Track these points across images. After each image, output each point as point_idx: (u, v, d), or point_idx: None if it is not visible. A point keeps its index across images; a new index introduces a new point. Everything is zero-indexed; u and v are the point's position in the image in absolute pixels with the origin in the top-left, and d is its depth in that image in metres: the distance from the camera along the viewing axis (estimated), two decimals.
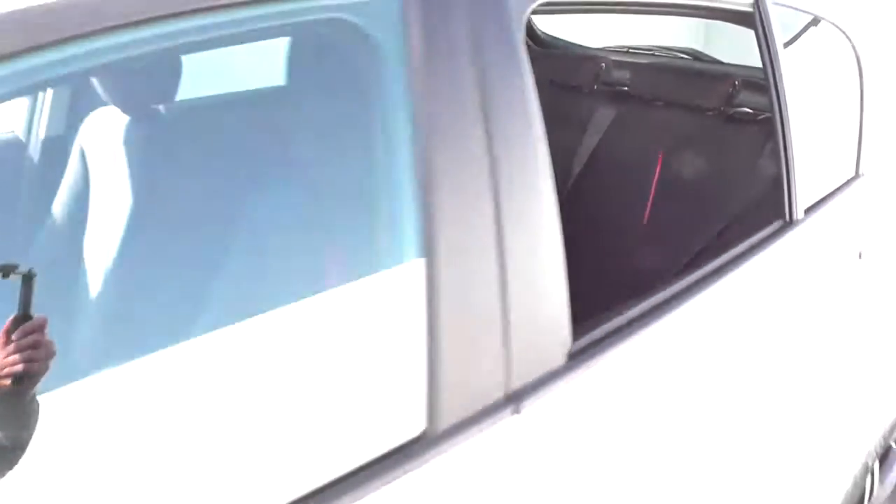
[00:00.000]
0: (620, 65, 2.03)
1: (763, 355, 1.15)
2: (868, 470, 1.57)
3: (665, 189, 1.69)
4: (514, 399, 0.77)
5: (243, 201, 0.77)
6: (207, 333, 0.72)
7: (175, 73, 0.87)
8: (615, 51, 2.22)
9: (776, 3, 1.27)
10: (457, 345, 0.73)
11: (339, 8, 0.71)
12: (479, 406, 0.75)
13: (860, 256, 1.33)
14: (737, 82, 1.69)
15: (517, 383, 0.78)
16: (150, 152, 0.91)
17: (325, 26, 0.73)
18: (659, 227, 1.64)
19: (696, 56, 2.22)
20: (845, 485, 1.45)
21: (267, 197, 0.76)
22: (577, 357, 0.84)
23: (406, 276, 0.72)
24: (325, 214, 0.76)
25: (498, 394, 0.76)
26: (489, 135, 0.76)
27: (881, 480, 1.75)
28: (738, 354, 1.10)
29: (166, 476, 0.64)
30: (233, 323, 0.71)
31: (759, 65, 1.26)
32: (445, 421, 0.73)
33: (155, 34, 0.62)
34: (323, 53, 0.76)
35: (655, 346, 0.94)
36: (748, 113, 1.69)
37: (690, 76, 1.89)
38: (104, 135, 1.03)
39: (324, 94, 0.77)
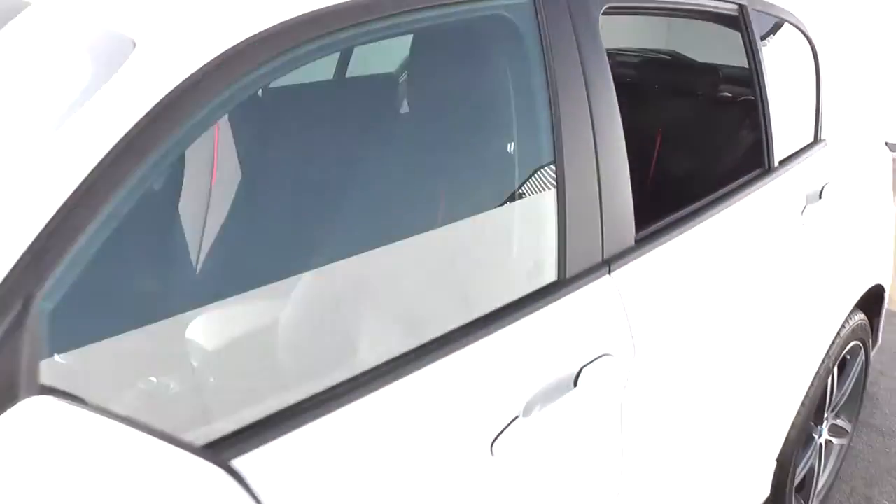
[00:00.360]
0: (623, 63, 2.47)
1: (750, 261, 1.58)
2: (829, 372, 2.02)
3: (667, 152, 2.13)
4: (607, 263, 1.18)
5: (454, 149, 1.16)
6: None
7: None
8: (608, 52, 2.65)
9: (754, 10, 1.71)
10: (576, 225, 1.14)
11: (501, 7, 1.12)
12: (588, 265, 1.16)
13: (820, 197, 1.78)
14: (720, 73, 2.15)
15: (608, 254, 1.19)
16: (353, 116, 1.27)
17: (491, 21, 1.13)
18: (663, 179, 2.09)
19: (675, 56, 2.68)
20: (810, 377, 1.90)
21: (470, 140, 1.16)
22: (639, 242, 1.25)
23: (546, 178, 1.13)
24: (495, 148, 1.16)
25: (598, 258, 1.17)
26: (588, 95, 1.17)
27: (839, 386, 2.21)
28: (736, 257, 1.53)
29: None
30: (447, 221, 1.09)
31: (721, 62, 1.68)
32: (569, 273, 1.13)
33: (359, 33, 0.94)
34: (492, 39, 1.16)
35: (687, 243, 1.36)
36: (729, 97, 2.15)
37: (684, 70, 2.34)
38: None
39: (489, 70, 1.17)
